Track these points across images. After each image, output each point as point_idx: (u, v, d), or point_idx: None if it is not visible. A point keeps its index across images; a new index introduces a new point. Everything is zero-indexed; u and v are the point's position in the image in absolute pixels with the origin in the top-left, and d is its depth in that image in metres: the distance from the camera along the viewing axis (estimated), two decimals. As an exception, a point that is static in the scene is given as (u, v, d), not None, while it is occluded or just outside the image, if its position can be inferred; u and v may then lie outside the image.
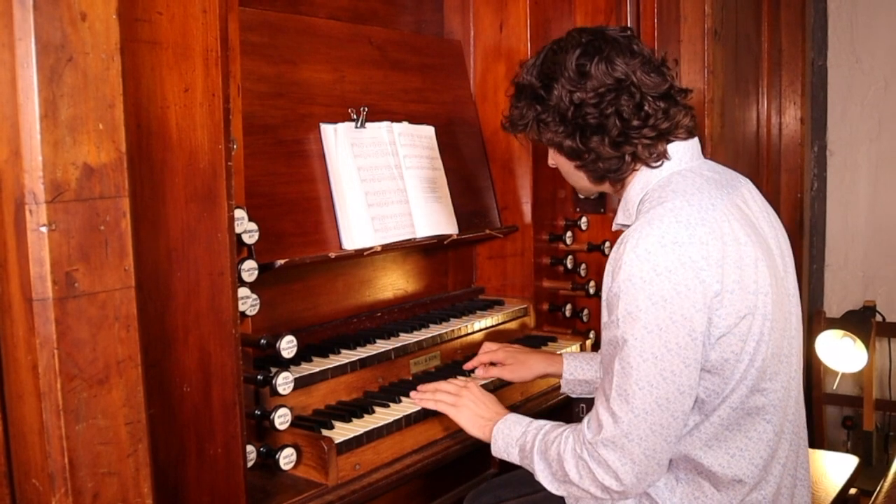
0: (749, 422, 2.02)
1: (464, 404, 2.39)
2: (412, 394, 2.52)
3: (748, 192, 2.17)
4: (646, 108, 2.06)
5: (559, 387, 2.71)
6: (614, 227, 2.26)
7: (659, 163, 2.09)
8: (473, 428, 2.34)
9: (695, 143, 2.16)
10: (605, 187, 2.23)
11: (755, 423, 2.03)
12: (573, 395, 2.73)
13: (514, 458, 2.23)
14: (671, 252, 1.89)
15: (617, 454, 1.96)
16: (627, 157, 2.09)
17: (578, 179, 2.24)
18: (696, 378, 1.94)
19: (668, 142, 2.10)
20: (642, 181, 2.12)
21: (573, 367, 2.66)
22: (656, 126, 2.06)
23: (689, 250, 1.89)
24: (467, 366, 2.75)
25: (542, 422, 2.23)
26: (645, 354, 1.90)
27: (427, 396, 2.47)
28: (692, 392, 1.95)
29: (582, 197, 2.34)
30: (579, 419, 3.40)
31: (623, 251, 1.94)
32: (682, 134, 2.12)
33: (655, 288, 1.88)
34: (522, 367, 2.70)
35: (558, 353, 2.73)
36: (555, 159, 2.27)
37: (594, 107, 2.05)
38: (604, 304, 2.03)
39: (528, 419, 2.27)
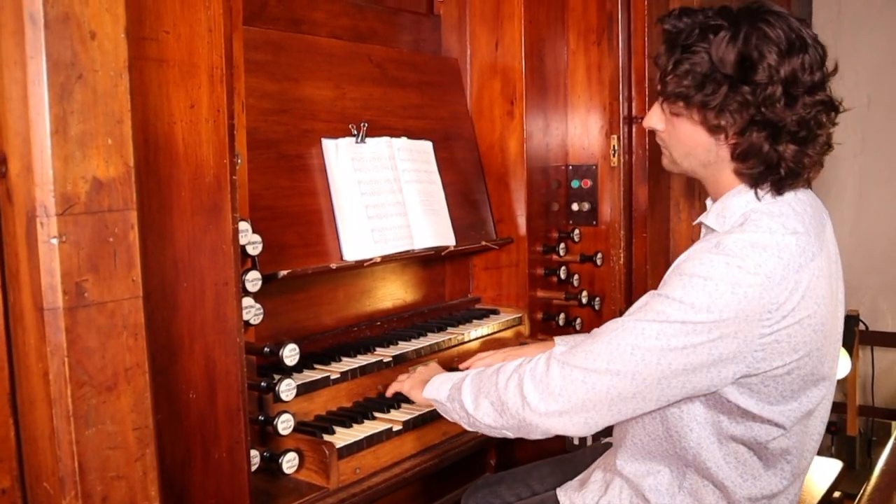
0: (771, 458, 2.00)
1: (413, 377, 2.41)
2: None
3: (830, 230, 2.05)
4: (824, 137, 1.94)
5: None
6: (696, 222, 2.14)
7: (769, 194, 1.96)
8: (413, 389, 2.35)
9: None
10: (725, 172, 2.01)
11: (777, 461, 2.00)
12: None
13: (442, 394, 2.20)
14: (759, 284, 1.79)
15: (563, 380, 1.92)
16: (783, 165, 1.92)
17: (702, 163, 2.04)
18: (679, 385, 1.86)
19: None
20: (750, 194, 1.97)
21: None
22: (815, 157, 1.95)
23: (773, 290, 1.79)
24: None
25: None
26: (661, 336, 1.82)
27: (393, 385, 2.50)
28: (666, 393, 1.87)
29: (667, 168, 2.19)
30: (568, 441, 3.39)
31: (716, 254, 1.83)
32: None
33: (722, 302, 1.79)
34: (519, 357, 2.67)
35: (552, 339, 2.71)
36: (685, 134, 2.02)
37: (797, 100, 1.87)
38: (664, 281, 1.94)
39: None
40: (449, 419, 2.23)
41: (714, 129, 1.94)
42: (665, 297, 1.85)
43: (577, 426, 1.94)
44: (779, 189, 1.95)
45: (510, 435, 2.08)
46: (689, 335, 1.81)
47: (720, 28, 1.89)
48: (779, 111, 1.87)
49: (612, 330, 1.90)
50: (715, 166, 2.02)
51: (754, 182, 1.96)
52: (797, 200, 1.96)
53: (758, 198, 1.96)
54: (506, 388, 2.01)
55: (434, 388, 2.24)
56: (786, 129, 1.88)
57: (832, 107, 1.93)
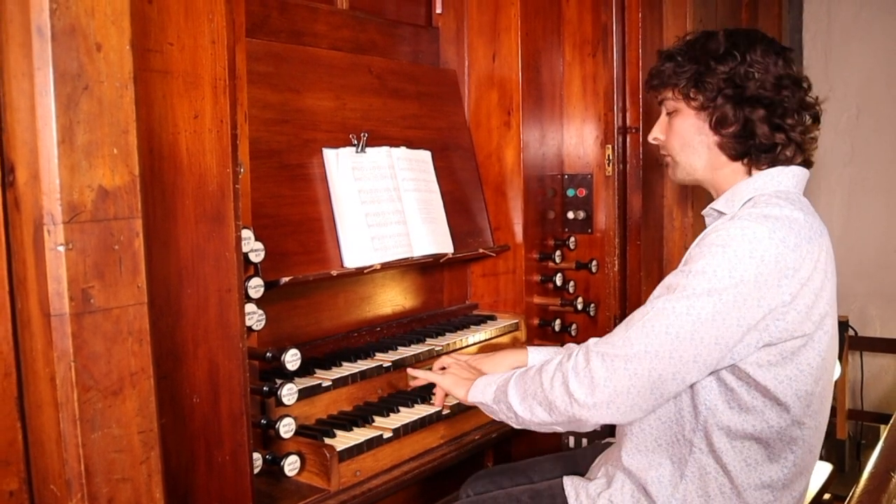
0: (780, 447, 2.03)
1: (451, 371, 2.40)
2: (408, 370, 2.55)
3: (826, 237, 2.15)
4: (804, 113, 2.12)
5: None
6: (705, 211, 2.24)
7: (776, 169, 2.12)
8: (456, 387, 2.33)
9: (805, 175, 2.16)
10: (725, 167, 2.17)
11: (783, 451, 2.03)
12: None
13: (488, 397, 2.20)
14: (774, 247, 1.89)
15: (606, 371, 1.94)
16: (777, 141, 2.09)
17: (697, 155, 2.19)
18: (714, 360, 1.92)
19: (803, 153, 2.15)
20: (757, 183, 2.11)
21: (538, 357, 2.52)
22: (803, 130, 2.12)
23: (788, 256, 1.89)
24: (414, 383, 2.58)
25: None
26: (691, 310, 1.89)
27: (419, 373, 2.49)
28: (703, 370, 1.94)
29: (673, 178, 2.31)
30: (564, 444, 3.38)
31: (731, 224, 1.94)
32: (810, 156, 2.17)
33: (741, 267, 1.88)
34: (490, 361, 2.52)
35: (525, 348, 2.61)
36: (680, 128, 2.21)
37: (772, 87, 2.08)
38: (684, 260, 2.03)
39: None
40: (496, 418, 2.23)
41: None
42: (688, 272, 1.94)
43: (624, 413, 1.96)
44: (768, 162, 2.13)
45: (560, 430, 2.11)
46: (715, 304, 1.89)
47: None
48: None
49: (645, 314, 1.96)
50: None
51: (747, 150, 2.13)
52: (800, 200, 2.08)
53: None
54: (552, 388, 2.03)
55: (479, 392, 2.24)
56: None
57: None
